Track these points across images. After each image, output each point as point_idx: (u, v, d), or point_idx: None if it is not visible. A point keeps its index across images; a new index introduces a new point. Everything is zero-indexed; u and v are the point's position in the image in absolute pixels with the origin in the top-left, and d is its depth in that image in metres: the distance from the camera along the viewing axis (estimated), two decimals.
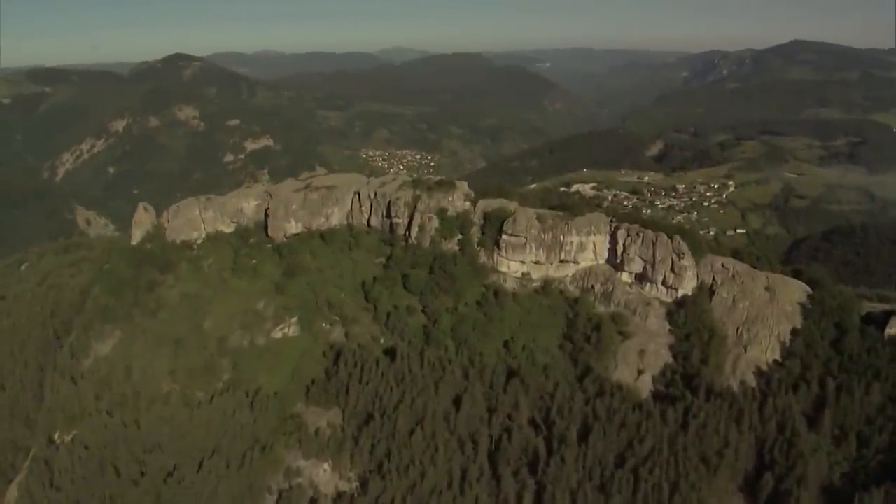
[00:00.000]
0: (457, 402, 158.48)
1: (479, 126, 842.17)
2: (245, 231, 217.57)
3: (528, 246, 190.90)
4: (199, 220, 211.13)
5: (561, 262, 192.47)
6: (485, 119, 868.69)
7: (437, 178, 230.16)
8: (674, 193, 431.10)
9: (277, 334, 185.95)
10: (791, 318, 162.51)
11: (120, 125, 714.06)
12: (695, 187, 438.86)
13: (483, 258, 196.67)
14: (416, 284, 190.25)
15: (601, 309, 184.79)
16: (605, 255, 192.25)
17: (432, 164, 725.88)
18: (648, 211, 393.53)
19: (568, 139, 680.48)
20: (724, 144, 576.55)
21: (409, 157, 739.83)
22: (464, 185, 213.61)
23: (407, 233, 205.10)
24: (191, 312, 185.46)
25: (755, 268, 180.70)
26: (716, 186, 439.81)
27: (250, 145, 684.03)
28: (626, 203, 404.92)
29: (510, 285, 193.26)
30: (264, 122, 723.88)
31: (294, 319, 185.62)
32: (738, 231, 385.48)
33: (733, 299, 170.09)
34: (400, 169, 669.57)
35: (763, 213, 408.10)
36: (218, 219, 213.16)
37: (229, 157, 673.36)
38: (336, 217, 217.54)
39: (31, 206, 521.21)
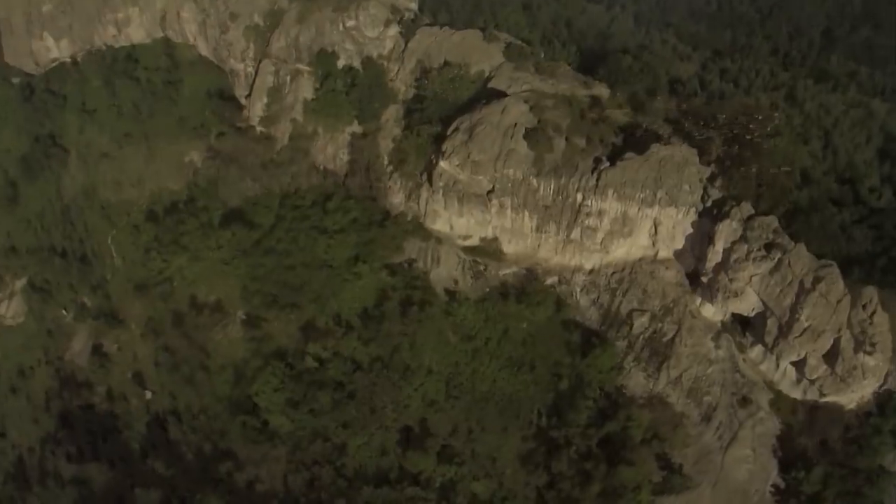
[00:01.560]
0: None
1: None
2: None
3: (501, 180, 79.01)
4: None
5: (568, 240, 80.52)
6: None
7: None
8: None
9: None
10: None
11: None
12: None
13: (398, 195, 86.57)
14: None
15: (639, 381, 78.79)
16: (681, 244, 78.16)
17: None
18: None
19: None
20: None
21: None
22: None
23: (247, 105, 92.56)
24: None
25: None
26: None
27: None
28: None
29: (447, 272, 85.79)
30: None
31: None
32: None
33: None
34: None
35: None
36: None
37: None
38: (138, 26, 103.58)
39: None
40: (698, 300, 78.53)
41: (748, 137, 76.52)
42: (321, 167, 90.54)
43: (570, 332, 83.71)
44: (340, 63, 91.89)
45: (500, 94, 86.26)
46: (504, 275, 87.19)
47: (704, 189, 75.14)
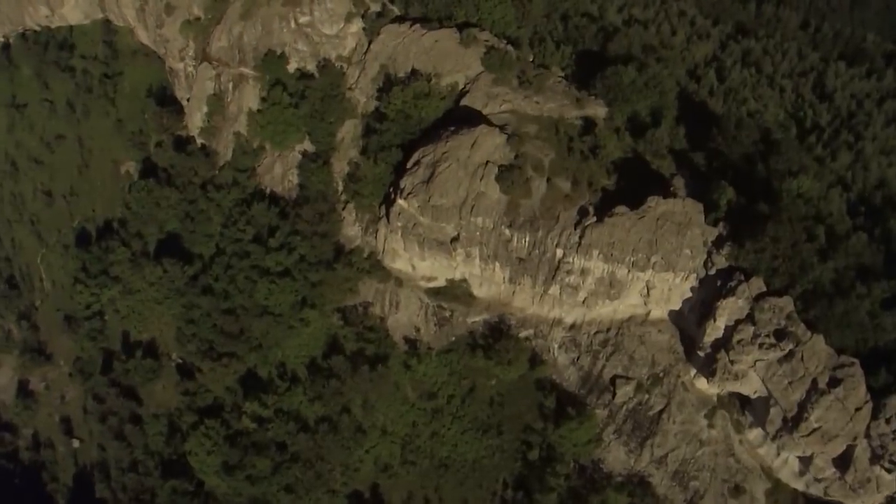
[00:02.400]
0: None
1: None
2: None
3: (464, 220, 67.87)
4: None
5: (545, 292, 69.49)
6: None
7: None
8: None
9: None
10: None
11: None
12: None
13: (354, 227, 75.42)
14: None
15: (618, 456, 69.76)
16: (678, 305, 66.53)
17: None
18: None
19: None
20: None
21: None
22: None
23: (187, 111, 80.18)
24: None
25: None
26: None
27: None
28: None
29: (407, 318, 75.40)
30: None
31: None
32: None
33: None
34: None
35: None
36: None
37: None
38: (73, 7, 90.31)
39: None
40: (693, 371, 67.13)
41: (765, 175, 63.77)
42: (268, 190, 78.92)
43: (545, 393, 72.78)
44: (292, 67, 78.62)
45: (475, 115, 72.97)
46: (473, 323, 75.76)
47: (709, 254, 62.74)
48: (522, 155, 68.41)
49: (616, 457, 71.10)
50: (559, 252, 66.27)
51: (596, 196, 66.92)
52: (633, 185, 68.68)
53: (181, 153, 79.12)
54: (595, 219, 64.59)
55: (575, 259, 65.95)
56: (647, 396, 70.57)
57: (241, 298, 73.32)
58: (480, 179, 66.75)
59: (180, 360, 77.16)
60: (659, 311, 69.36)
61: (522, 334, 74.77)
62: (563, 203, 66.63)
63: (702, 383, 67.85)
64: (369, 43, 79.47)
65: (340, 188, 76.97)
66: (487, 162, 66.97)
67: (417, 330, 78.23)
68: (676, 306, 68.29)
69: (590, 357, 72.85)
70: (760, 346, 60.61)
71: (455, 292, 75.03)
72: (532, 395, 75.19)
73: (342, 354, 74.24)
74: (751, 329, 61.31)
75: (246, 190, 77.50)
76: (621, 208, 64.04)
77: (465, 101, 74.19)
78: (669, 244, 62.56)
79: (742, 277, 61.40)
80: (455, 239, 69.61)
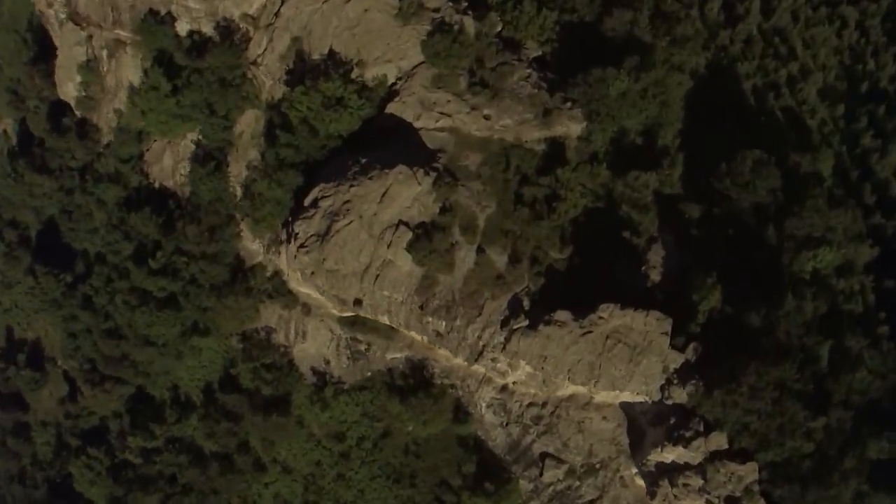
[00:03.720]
0: None
1: None
2: None
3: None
4: None
5: (468, 366, 57.65)
6: None
7: None
8: None
9: None
10: None
11: None
12: None
13: (255, 243, 63.12)
14: None
15: None
16: (628, 399, 55.49)
17: None
18: None
19: None
20: None
21: None
22: None
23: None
24: None
25: None
26: None
27: None
28: None
29: (316, 349, 65.49)
30: None
31: None
32: None
33: None
34: None
35: None
36: None
37: None
38: None
39: None
40: (634, 470, 56.98)
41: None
42: (156, 184, 64.61)
43: (467, 450, 63.51)
44: (182, 28, 60.33)
45: (401, 131, 55.89)
46: (392, 359, 64.95)
47: (668, 382, 49.00)
48: (451, 208, 52.79)
49: None
50: (481, 344, 53.34)
51: (537, 282, 51.69)
52: (593, 261, 53.34)
53: (55, 131, 64.23)
54: (527, 322, 50.46)
55: (500, 356, 53.17)
56: (578, 483, 60.86)
57: (122, 320, 62.98)
58: (388, 246, 51.90)
59: (66, 370, 69.13)
60: (605, 398, 57.93)
61: (447, 381, 64.49)
62: (493, 288, 51.66)
63: (640, 484, 58.12)
64: (281, 2, 60.30)
65: (240, 193, 62.70)
66: (399, 223, 51.72)
67: (327, 362, 66.53)
68: (627, 399, 56.69)
69: (519, 428, 61.77)
70: (708, 502, 49.59)
71: (373, 324, 62.97)
72: (453, 450, 65.56)
73: (238, 392, 65.32)
74: (700, 482, 49.52)
75: (129, 185, 63.69)
76: (563, 314, 49.29)
77: (392, 108, 56.71)
78: (617, 371, 48.87)
79: (701, 428, 48.23)
80: (358, 302, 56.63)
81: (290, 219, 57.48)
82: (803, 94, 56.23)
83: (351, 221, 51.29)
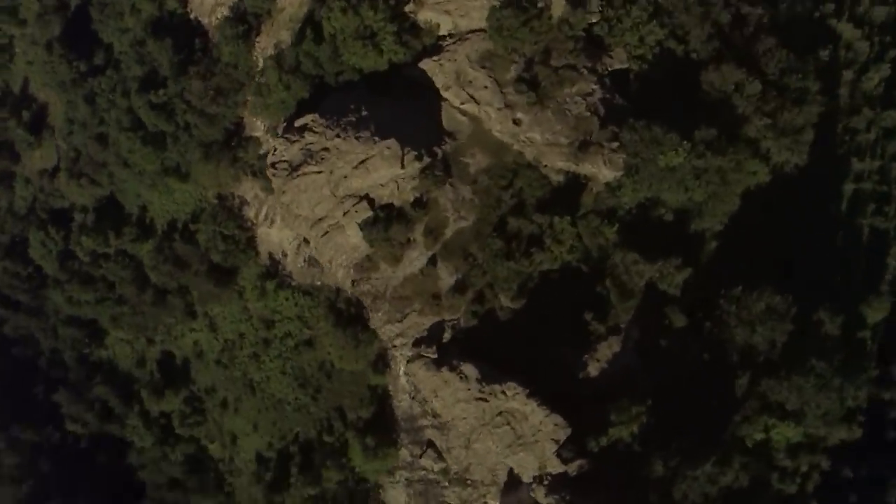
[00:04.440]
0: None
1: None
2: None
3: None
4: None
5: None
6: None
7: None
8: None
9: None
10: None
11: None
12: None
13: (257, 123, 61.05)
14: None
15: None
16: None
17: None
18: None
19: None
20: None
21: None
22: None
23: None
24: None
25: None
26: None
27: None
28: None
29: (279, 239, 65.80)
30: None
31: None
32: None
33: None
34: None
35: None
36: None
37: None
38: None
39: None
40: None
41: None
42: (192, 14, 60.24)
43: (373, 396, 64.00)
44: None
45: (428, 92, 50.51)
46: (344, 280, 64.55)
47: (538, 480, 47.35)
48: (426, 204, 48.92)
49: (395, 499, 66.53)
50: (389, 346, 51.88)
51: (469, 320, 49.43)
52: (539, 327, 49.72)
53: None
54: (435, 356, 48.41)
55: (401, 366, 51.85)
56: (447, 485, 62.11)
57: (112, 131, 62.36)
58: (344, 214, 48.83)
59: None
60: None
61: (382, 331, 64.14)
62: (425, 304, 49.56)
63: None
64: None
65: (260, 65, 58.67)
66: (365, 197, 47.96)
67: (285, 255, 66.75)
68: None
69: (421, 408, 62.59)
70: None
71: None
72: (361, 389, 67.13)
73: (193, 244, 65.80)
74: None
75: (164, 6, 59.81)
76: (470, 369, 47.76)
77: (426, 64, 51.21)
78: (493, 446, 47.81)
79: None
80: (305, 240, 54.50)
81: (283, 124, 54.62)
82: None
83: (320, 172, 48.81)
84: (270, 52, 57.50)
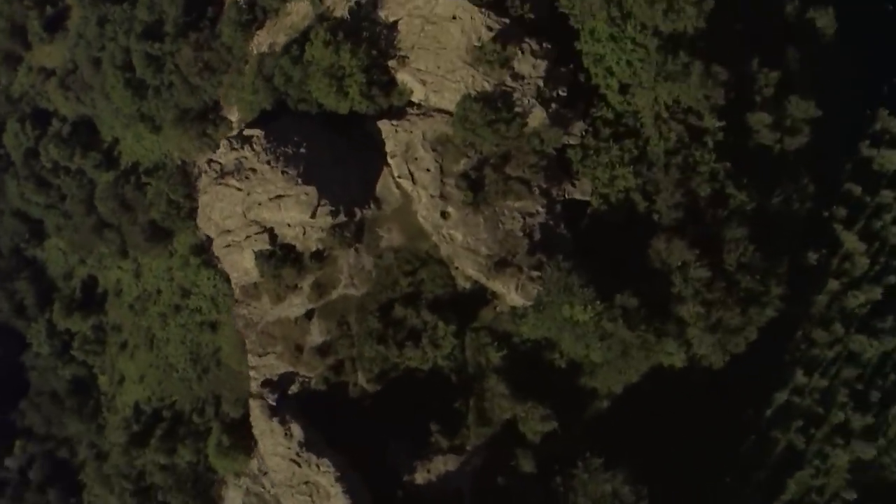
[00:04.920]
0: None
1: None
2: None
3: None
4: None
5: None
6: None
7: None
8: None
9: None
10: None
11: None
12: None
13: None
14: None
15: None
16: None
17: None
18: None
19: None
20: None
21: None
22: None
23: None
24: None
25: None
26: None
27: None
28: None
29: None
30: None
31: None
32: None
33: None
34: None
35: None
36: None
37: None
38: None
39: None
40: None
41: None
42: None
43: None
44: None
45: (374, 152, 49.75)
46: None
47: None
48: (325, 258, 48.73)
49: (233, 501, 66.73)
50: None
51: (319, 384, 49.54)
52: (379, 415, 48.75)
53: None
54: (274, 404, 49.28)
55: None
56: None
57: (104, 59, 63.54)
58: (247, 237, 48.62)
59: None
60: None
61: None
62: (287, 350, 49.18)
63: None
64: None
65: (250, 58, 58.36)
66: (269, 230, 47.49)
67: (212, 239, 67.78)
68: None
69: None
70: None
71: None
72: (239, 390, 67.43)
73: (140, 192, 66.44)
74: None
75: None
76: (297, 431, 48.54)
77: (382, 124, 49.80)
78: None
79: None
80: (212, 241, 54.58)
81: (244, 126, 54.39)
82: None
83: (240, 189, 48.53)
84: (264, 49, 57.57)
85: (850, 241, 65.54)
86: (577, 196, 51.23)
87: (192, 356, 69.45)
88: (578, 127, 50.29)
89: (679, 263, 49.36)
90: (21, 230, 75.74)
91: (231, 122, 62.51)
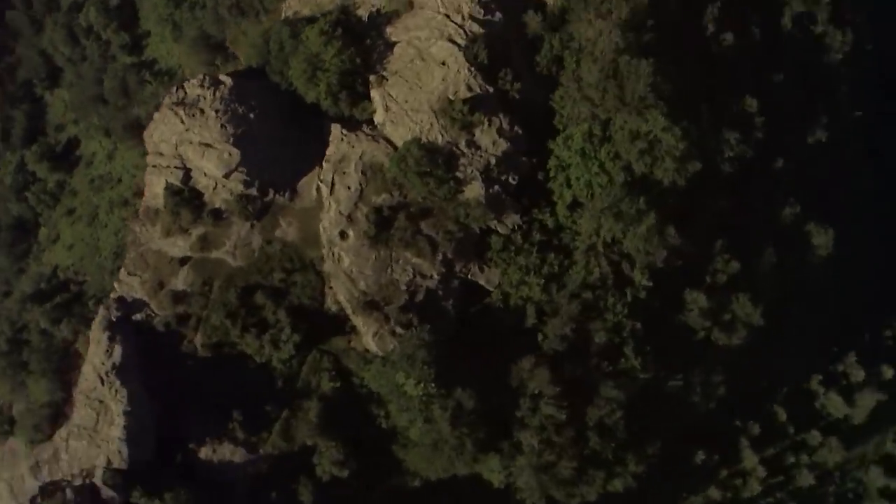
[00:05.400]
0: None
1: None
2: None
3: None
4: None
5: None
6: None
7: None
8: None
9: None
10: None
11: None
12: None
13: None
14: None
15: None
16: None
17: None
18: None
19: None
20: None
21: None
22: None
23: None
24: None
25: None
26: None
27: None
28: None
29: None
30: None
31: None
32: None
33: None
34: None
35: None
36: None
37: None
38: None
39: None
40: None
41: None
42: None
43: None
44: None
45: (320, 146, 49.56)
46: None
47: None
48: (220, 221, 48.99)
49: None
50: None
51: (161, 325, 49.81)
52: (219, 375, 48.99)
53: None
54: (112, 319, 50.09)
55: None
56: None
57: None
58: (166, 166, 50.39)
59: None
60: None
61: None
62: (148, 282, 51.02)
63: None
64: None
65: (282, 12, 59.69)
66: (188, 171, 48.37)
67: None
68: None
69: None
70: None
71: None
72: None
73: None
74: None
75: None
76: (117, 351, 47.43)
77: (334, 134, 49.96)
78: None
79: None
80: None
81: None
82: None
83: (182, 122, 50.28)
84: (289, 14, 58.80)
85: (751, 461, 62.14)
86: (481, 282, 50.40)
87: (117, 250, 71.33)
88: (513, 219, 49.53)
89: (536, 391, 47.99)
90: (40, 69, 79.49)
91: (240, 63, 64.55)
